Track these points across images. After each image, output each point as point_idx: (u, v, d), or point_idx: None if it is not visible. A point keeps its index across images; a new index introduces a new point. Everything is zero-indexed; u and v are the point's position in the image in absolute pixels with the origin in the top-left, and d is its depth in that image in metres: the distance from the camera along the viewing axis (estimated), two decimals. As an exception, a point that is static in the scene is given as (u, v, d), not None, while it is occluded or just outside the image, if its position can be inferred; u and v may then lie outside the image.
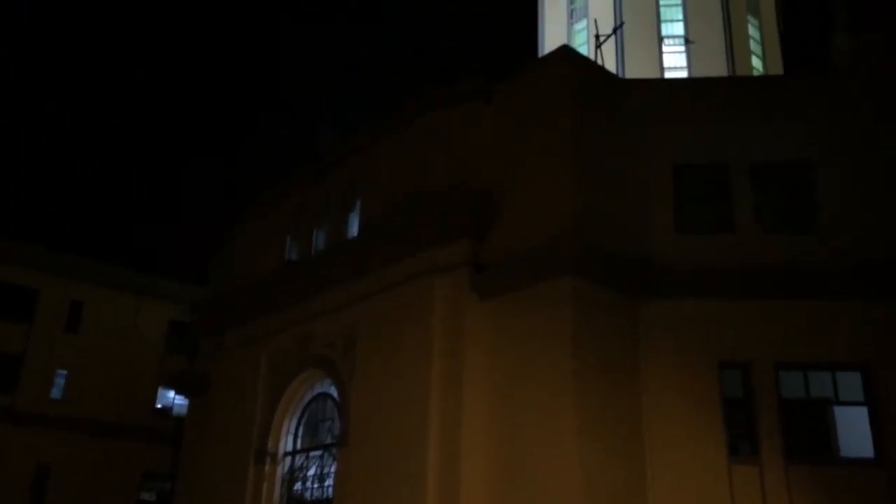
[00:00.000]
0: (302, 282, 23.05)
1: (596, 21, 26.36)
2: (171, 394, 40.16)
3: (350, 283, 21.29)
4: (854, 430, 16.58)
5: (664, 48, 28.21)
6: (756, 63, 28.94)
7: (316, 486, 21.80)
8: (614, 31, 26.04)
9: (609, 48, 25.86)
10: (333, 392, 21.97)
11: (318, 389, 22.94)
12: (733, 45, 27.82)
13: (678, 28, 28.40)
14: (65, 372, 38.76)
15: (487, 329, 18.00)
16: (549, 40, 30.61)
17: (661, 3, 28.67)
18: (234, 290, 26.12)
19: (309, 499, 21.91)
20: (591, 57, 23.75)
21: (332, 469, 21.00)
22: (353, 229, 22.71)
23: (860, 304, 16.73)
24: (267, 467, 22.71)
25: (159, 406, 40.63)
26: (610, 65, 24.80)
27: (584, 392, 15.89)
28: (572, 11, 30.67)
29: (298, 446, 23.04)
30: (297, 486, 22.48)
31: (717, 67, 27.09)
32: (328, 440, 21.92)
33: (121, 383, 39.08)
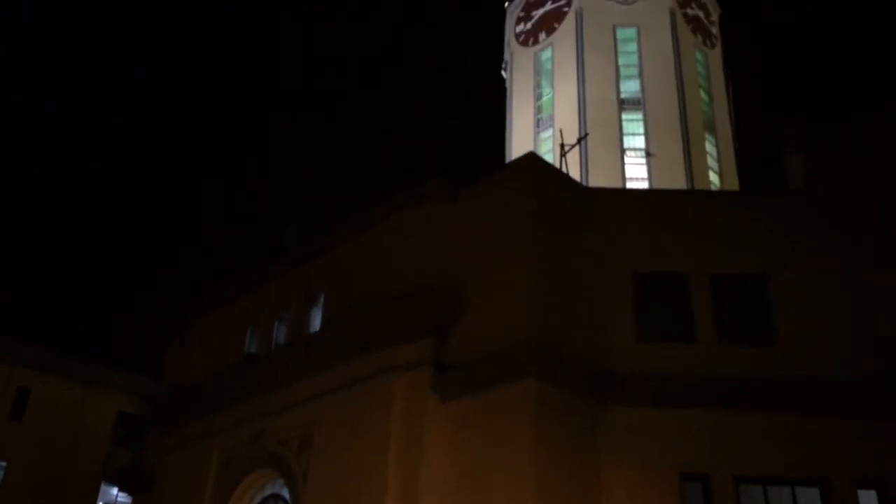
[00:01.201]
0: (260, 375, 22.57)
1: (561, 131, 27.35)
2: (115, 491, 38.30)
3: (309, 379, 20.90)
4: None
5: (626, 159, 29.30)
6: (713, 178, 30.14)
7: None
8: (579, 141, 27.02)
9: (574, 157, 26.77)
10: (286, 493, 21.16)
11: (270, 490, 22.06)
12: (692, 159, 29.03)
13: (639, 141, 29.60)
14: (4, 463, 36.87)
15: (447, 431, 17.70)
16: (517, 146, 31.62)
17: (623, 117, 29.98)
18: (189, 383, 25.43)
19: None
20: (557, 165, 24.53)
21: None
22: (316, 324, 22.50)
23: (817, 418, 16.85)
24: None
25: None
26: (574, 173, 25.60)
27: (544, 498, 15.55)
28: (539, 120, 31.89)
29: (245, 551, 21.94)
30: None
31: (676, 180, 28.12)
32: (277, 545, 20.94)
33: (63, 476, 37.26)
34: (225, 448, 23.05)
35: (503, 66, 35.82)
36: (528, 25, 34.05)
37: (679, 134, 29.41)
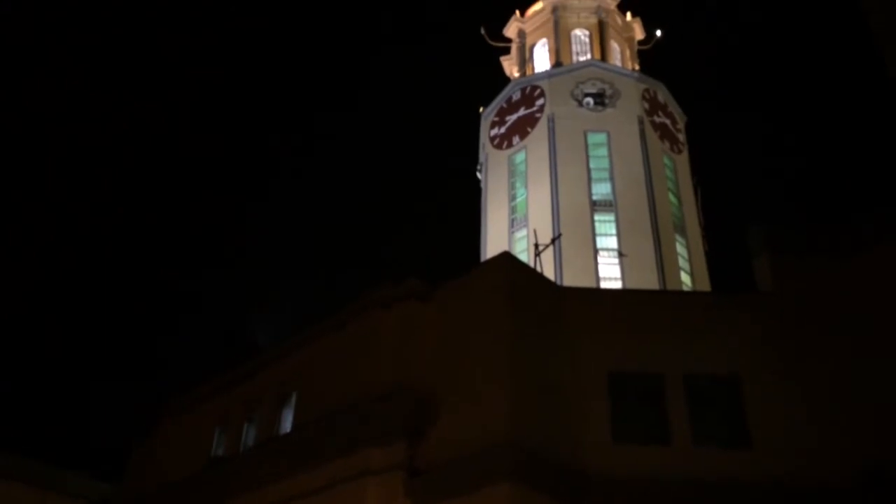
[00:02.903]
0: (229, 479, 21.80)
1: (535, 231, 27.85)
2: None
3: (280, 483, 20.22)
4: None
5: (599, 259, 29.76)
6: (685, 278, 30.62)
7: None
8: (552, 241, 27.47)
9: (548, 256, 27.16)
10: None
11: None
12: (663, 260, 29.55)
13: (612, 242, 30.16)
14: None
15: (420, 539, 17.08)
16: (492, 245, 32.05)
17: (596, 218, 30.65)
18: (153, 488, 24.48)
19: None
20: (531, 264, 24.82)
21: None
22: (287, 425, 21.98)
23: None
24: None
25: None
26: (549, 272, 25.90)
27: None
28: (513, 221, 32.49)
29: None
30: None
31: (649, 280, 28.52)
32: None
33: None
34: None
35: (478, 167, 36.75)
36: (503, 129, 35.19)
37: (650, 235, 30.06)
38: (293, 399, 22.29)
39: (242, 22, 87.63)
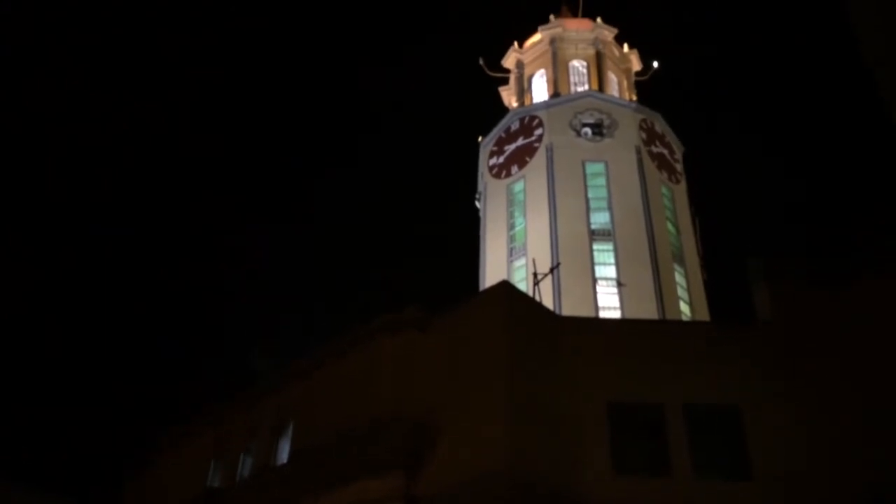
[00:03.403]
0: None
1: (534, 260, 27.84)
2: None
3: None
4: None
5: (598, 289, 29.71)
6: (684, 307, 30.56)
7: None
8: (551, 270, 27.45)
9: (546, 285, 27.12)
10: None
11: None
12: (662, 289, 29.51)
13: (611, 271, 30.15)
14: None
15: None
16: (491, 274, 32.02)
17: (595, 247, 30.67)
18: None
19: None
20: (530, 293, 24.79)
21: None
22: (284, 455, 21.78)
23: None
24: None
25: None
26: (547, 301, 25.85)
27: None
28: (512, 249, 32.50)
29: None
30: None
31: (648, 310, 28.45)
32: None
33: None
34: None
35: (477, 196, 36.87)
36: (501, 159, 35.36)
37: (649, 264, 30.05)
38: (290, 429, 22.11)
39: (242, 22, 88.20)
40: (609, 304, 29.23)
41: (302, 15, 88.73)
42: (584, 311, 27.72)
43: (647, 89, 39.95)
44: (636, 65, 40.14)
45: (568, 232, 30.90)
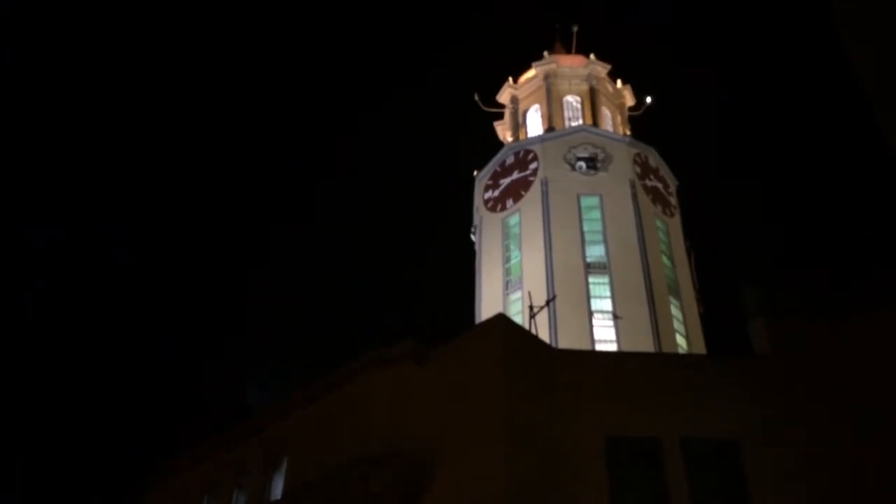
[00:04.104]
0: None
1: (530, 293, 27.79)
2: None
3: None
4: None
5: (594, 321, 29.63)
6: (680, 340, 30.47)
7: None
8: (547, 303, 27.36)
9: (542, 319, 27.01)
10: None
11: None
12: (658, 322, 29.45)
13: (606, 304, 30.10)
14: None
15: None
16: (486, 307, 31.91)
17: (590, 280, 30.65)
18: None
19: None
20: (526, 326, 24.69)
21: None
22: (278, 491, 21.44)
23: None
24: None
25: None
26: (543, 334, 25.73)
27: None
28: (508, 283, 32.45)
29: None
30: None
31: (644, 343, 28.35)
32: None
33: None
34: None
35: (472, 230, 36.93)
36: (496, 193, 35.51)
37: (645, 297, 30.02)
38: (284, 464, 21.81)
39: (242, 22, 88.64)
40: (605, 338, 29.12)
41: (302, 15, 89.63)
42: (580, 344, 27.60)
43: (640, 124, 40.36)
44: (629, 100, 40.57)
45: (563, 265, 30.90)
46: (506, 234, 33.97)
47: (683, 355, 28.41)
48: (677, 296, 31.98)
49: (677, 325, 30.90)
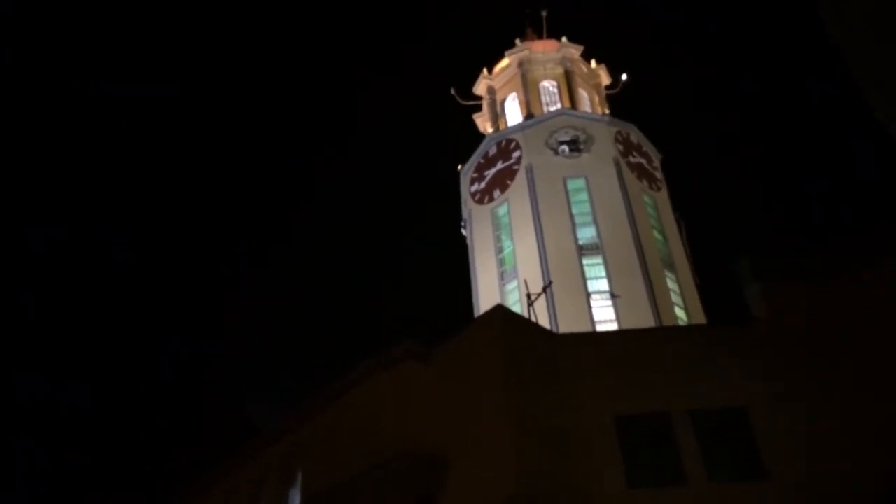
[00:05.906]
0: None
1: (526, 281, 27.84)
2: None
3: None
4: None
5: (592, 303, 29.72)
6: (679, 313, 30.58)
7: None
8: (543, 290, 27.39)
9: (541, 305, 27.06)
10: None
11: None
12: (656, 297, 29.54)
13: (603, 284, 30.18)
14: None
15: None
16: (484, 300, 31.96)
17: (584, 262, 30.73)
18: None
19: None
20: (525, 314, 24.73)
21: None
22: (295, 504, 21.46)
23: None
24: None
25: None
26: (543, 321, 25.77)
27: None
28: (503, 273, 32.50)
29: None
30: None
31: (644, 319, 28.43)
32: None
33: None
34: None
35: (462, 224, 36.95)
36: (482, 185, 35.54)
37: (640, 274, 30.10)
38: (298, 477, 21.81)
39: (242, 22, 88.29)
40: (605, 318, 29.22)
41: (302, 16, 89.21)
42: (580, 327, 27.68)
43: (619, 102, 40.41)
44: (605, 79, 40.61)
45: (556, 249, 30.97)
46: (496, 225, 34.01)
47: (683, 327, 28.52)
48: (672, 269, 32.09)
49: (675, 298, 31.01)
